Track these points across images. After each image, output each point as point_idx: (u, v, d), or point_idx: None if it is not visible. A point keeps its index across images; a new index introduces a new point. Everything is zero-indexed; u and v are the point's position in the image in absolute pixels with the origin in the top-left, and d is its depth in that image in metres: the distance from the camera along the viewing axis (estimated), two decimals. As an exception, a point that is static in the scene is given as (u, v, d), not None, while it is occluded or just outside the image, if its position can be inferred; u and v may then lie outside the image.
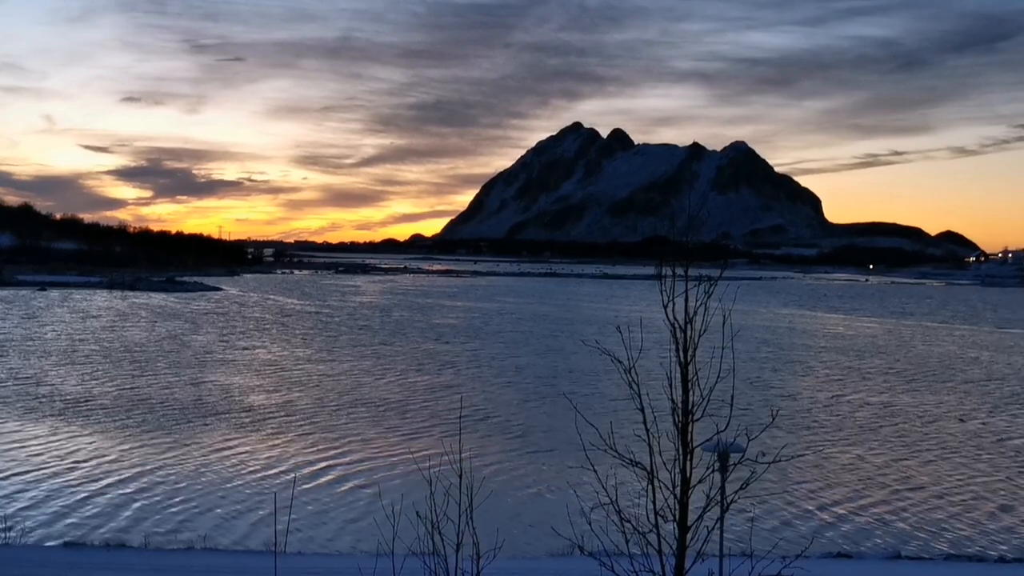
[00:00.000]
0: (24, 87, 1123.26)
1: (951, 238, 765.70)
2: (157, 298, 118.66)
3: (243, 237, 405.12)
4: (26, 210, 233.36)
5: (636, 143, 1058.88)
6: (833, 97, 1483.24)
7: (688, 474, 6.64)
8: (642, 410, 6.76)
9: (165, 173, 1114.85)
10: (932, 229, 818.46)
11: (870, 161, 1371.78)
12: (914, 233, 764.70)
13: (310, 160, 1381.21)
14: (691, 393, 6.69)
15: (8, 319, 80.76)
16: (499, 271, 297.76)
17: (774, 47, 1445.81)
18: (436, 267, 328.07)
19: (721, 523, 7.42)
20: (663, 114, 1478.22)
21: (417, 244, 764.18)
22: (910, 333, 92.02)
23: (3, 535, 20.70)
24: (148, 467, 28.71)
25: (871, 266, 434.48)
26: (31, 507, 24.13)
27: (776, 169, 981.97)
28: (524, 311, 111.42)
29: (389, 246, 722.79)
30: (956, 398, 47.69)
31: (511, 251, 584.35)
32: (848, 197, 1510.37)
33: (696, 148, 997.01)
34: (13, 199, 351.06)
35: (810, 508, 26.00)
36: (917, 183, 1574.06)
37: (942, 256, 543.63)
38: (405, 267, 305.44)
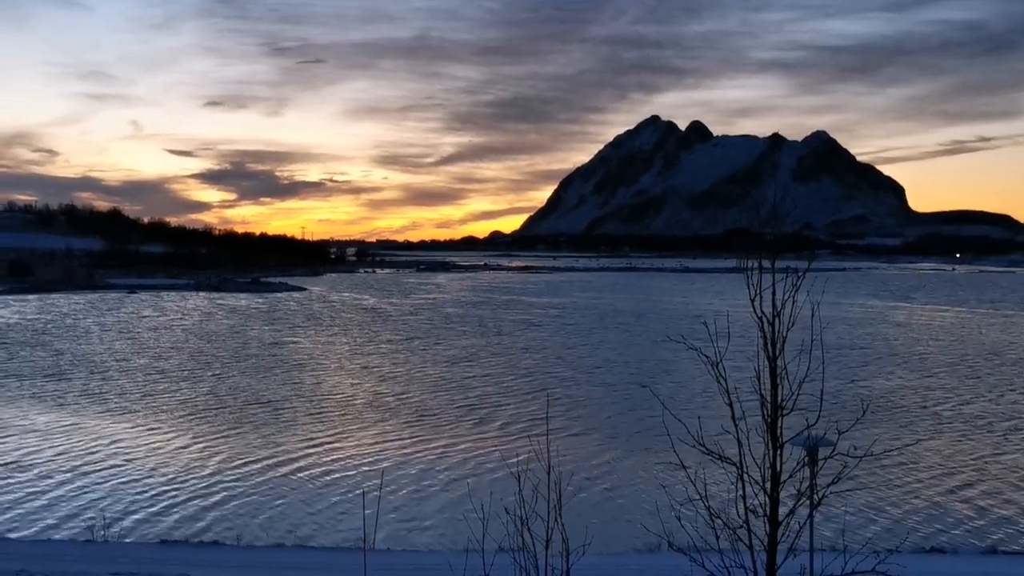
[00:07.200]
0: (111, 94, 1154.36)
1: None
2: (243, 298, 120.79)
3: (326, 237, 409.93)
4: (115, 215, 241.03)
5: (715, 135, 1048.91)
6: (917, 84, 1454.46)
7: (778, 469, 6.58)
8: (730, 405, 6.72)
9: (248, 175, 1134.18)
10: (1022, 216, 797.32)
11: (956, 148, 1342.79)
12: (1003, 221, 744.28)
13: (390, 160, 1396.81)
14: (780, 387, 6.63)
15: (100, 321, 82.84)
16: (578, 266, 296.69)
17: (856, 34, 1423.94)
18: (515, 263, 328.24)
19: (811, 518, 7.33)
20: (743, 105, 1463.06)
21: (496, 241, 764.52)
22: (1001, 323, 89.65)
23: (99, 532, 21.25)
24: (238, 464, 29.27)
25: (958, 255, 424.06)
26: (125, 504, 24.75)
27: (858, 158, 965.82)
28: (605, 306, 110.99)
29: (469, 243, 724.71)
30: (1051, 389, 46.37)
31: (590, 246, 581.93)
32: (933, 185, 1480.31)
33: (776, 139, 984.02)
34: (103, 204, 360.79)
35: (902, 503, 25.52)
36: (1005, 169, 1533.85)
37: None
38: (485, 264, 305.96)
